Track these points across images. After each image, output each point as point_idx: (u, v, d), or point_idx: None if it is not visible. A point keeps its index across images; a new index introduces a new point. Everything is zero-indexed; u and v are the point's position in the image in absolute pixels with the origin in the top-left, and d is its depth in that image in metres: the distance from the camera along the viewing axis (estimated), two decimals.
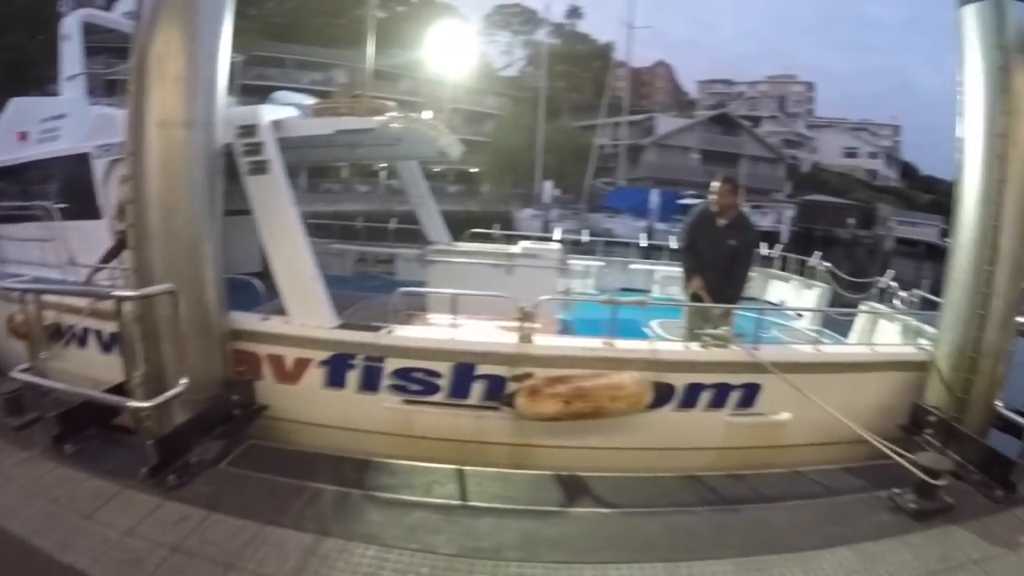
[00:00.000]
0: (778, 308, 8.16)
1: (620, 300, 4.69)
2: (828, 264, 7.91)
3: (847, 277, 7.79)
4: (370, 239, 10.33)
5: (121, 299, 3.73)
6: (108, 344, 5.23)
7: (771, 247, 9.16)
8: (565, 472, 4.04)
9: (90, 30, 7.55)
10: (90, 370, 4.89)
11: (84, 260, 5.65)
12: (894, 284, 6.30)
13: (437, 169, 41.30)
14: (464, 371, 4.52)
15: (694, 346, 4.73)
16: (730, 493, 3.92)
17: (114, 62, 8.15)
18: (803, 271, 8.41)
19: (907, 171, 70.95)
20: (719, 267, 5.37)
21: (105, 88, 8.05)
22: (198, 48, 4.06)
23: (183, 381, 3.74)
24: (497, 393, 4.46)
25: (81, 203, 6.47)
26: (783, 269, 9.03)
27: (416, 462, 4.10)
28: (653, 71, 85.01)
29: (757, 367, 4.47)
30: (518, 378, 4.39)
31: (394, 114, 5.31)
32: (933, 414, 4.54)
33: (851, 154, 64.76)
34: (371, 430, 4.62)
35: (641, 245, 11.98)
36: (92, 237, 6.10)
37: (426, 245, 8.22)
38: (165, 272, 4.00)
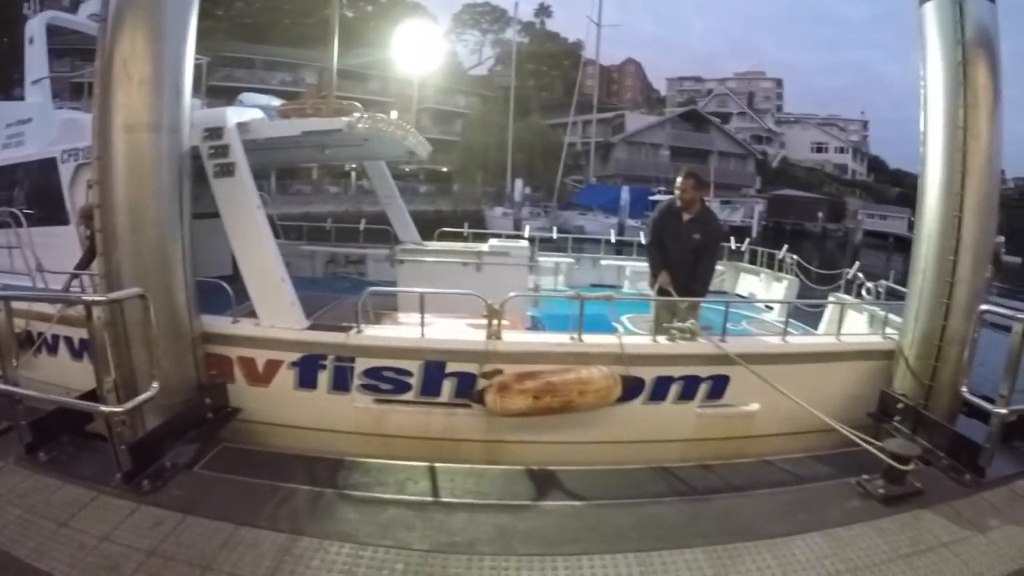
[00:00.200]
0: (746, 300, 8.35)
1: (587, 295, 4.74)
2: (796, 257, 8.14)
3: (815, 269, 8.04)
4: (340, 240, 10.28)
5: (91, 304, 3.70)
6: (79, 351, 5.17)
7: (741, 242, 9.39)
8: (537, 467, 4.07)
9: (55, 32, 7.42)
10: (62, 377, 4.84)
11: (53, 267, 5.55)
12: (861, 275, 6.48)
13: (408, 169, 41.27)
14: (434, 369, 4.56)
15: (662, 339, 4.81)
16: (701, 483, 3.95)
17: (80, 65, 8.00)
18: (772, 264, 8.64)
19: (876, 165, 72.20)
20: (684, 262, 5.45)
21: (71, 91, 7.90)
22: (164, 50, 4.04)
23: (155, 385, 3.71)
24: (467, 390, 4.50)
25: (48, 209, 6.34)
26: (753, 263, 9.25)
27: (389, 460, 4.11)
28: (622, 69, 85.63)
29: (725, 359, 4.57)
30: (487, 375, 4.42)
31: (360, 115, 5.31)
32: (901, 401, 4.66)
33: (820, 149, 65.61)
34: (343, 430, 4.63)
35: (611, 241, 12.09)
36: (60, 243, 5.98)
37: (396, 245, 8.24)
38: (135, 276, 3.98)
